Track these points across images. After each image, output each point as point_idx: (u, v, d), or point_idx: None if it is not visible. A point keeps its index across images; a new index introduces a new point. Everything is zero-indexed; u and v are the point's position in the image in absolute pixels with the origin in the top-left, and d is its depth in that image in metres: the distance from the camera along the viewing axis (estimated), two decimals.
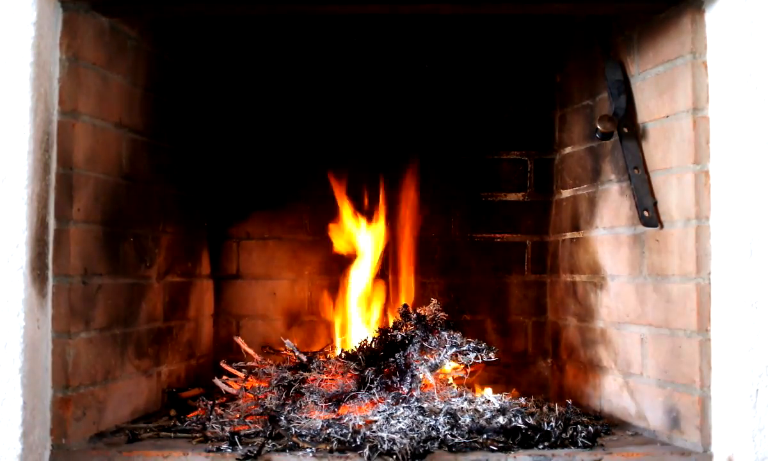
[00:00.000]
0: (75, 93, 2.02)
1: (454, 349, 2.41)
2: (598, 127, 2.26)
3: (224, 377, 2.61)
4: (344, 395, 2.34)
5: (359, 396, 2.33)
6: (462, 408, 2.28)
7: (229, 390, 2.53)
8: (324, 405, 2.30)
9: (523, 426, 2.12)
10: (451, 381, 2.48)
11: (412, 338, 2.46)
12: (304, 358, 2.52)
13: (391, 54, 3.02)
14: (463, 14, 2.72)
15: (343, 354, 2.52)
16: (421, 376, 2.37)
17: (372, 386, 2.34)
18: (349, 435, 2.05)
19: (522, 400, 2.47)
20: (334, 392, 2.35)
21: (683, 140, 2.08)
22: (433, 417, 2.18)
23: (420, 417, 2.18)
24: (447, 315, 2.56)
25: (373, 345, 2.50)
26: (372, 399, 2.32)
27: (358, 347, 2.54)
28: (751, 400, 1.89)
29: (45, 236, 1.95)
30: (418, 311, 2.56)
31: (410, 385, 2.36)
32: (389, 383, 2.38)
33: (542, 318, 3.02)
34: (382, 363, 2.42)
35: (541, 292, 3.02)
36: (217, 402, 2.45)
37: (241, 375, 2.58)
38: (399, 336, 2.47)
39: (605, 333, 2.51)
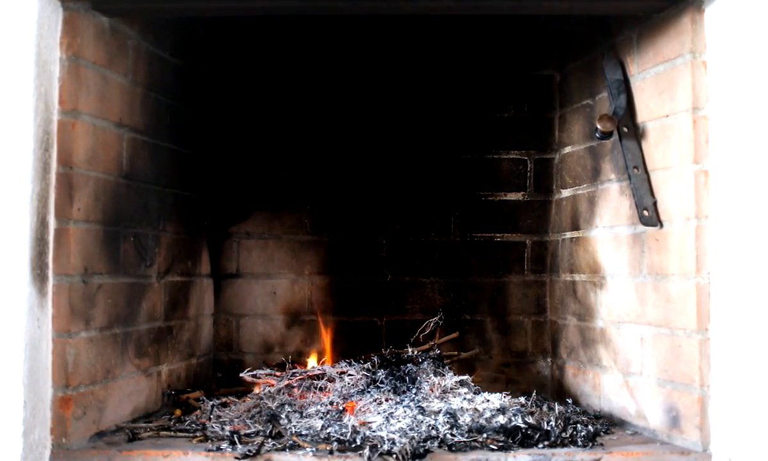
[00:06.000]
0: (75, 92, 2.02)
1: (458, 378, 2.54)
2: (598, 126, 2.26)
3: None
4: (354, 390, 2.43)
5: (369, 393, 2.43)
6: (461, 407, 2.28)
7: (256, 380, 2.59)
8: (337, 400, 2.37)
9: (522, 425, 2.12)
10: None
11: (425, 358, 2.65)
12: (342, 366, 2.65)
13: (392, 54, 3.02)
14: (462, 14, 2.72)
15: (353, 363, 2.66)
16: (427, 389, 2.44)
17: (381, 386, 2.46)
18: (349, 434, 2.05)
19: (522, 399, 2.47)
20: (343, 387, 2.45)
21: (683, 139, 2.08)
22: (432, 416, 2.19)
23: (420, 417, 2.18)
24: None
25: (387, 355, 2.73)
26: (378, 398, 2.37)
27: (373, 355, 2.73)
28: (750, 399, 1.89)
29: (45, 235, 1.95)
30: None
31: (414, 395, 2.40)
32: (397, 385, 2.46)
33: (542, 317, 3.02)
34: (394, 369, 2.59)
35: (541, 291, 3.02)
36: (218, 402, 2.45)
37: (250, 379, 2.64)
38: (413, 353, 2.73)
39: (605, 333, 2.51)
